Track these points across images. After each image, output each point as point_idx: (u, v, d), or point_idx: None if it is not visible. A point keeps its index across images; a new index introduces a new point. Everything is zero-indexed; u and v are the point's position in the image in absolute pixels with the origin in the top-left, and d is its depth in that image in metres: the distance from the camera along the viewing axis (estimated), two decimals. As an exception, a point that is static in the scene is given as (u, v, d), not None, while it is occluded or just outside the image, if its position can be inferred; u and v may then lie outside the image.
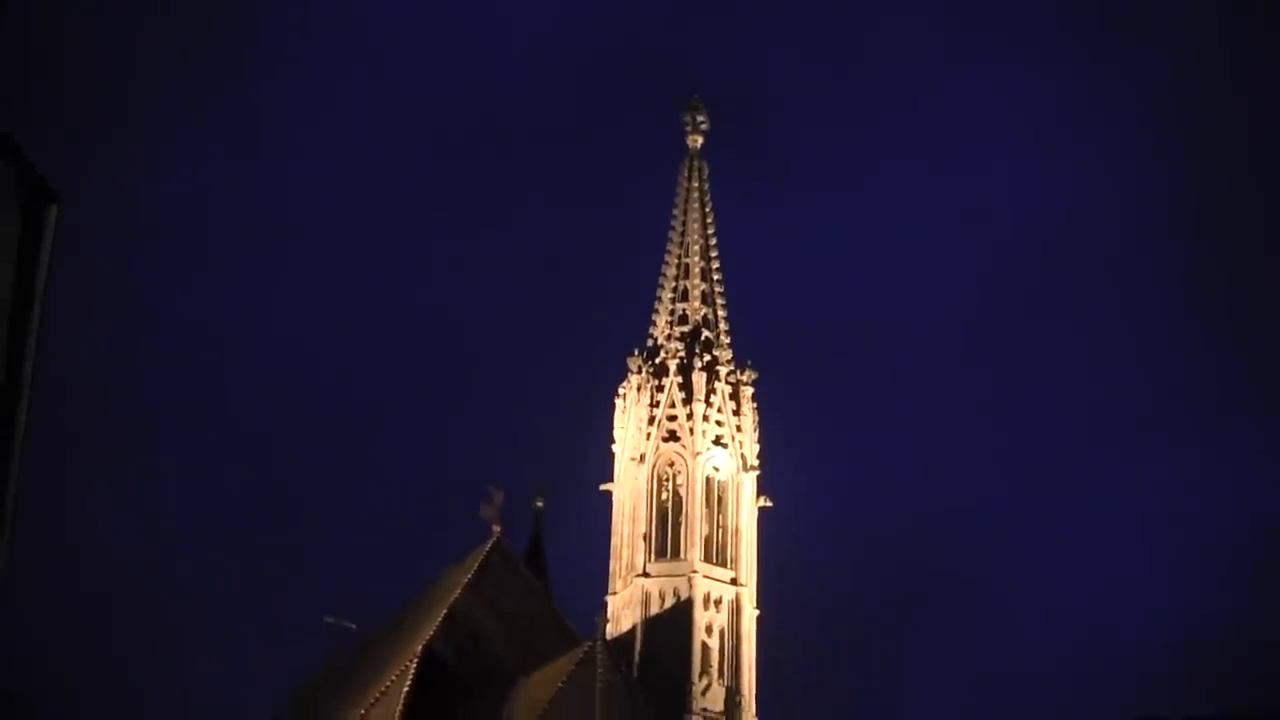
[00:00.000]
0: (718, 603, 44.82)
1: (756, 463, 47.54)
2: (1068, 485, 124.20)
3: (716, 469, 46.71)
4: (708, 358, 47.97)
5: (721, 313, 49.56)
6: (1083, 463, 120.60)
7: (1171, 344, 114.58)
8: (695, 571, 44.64)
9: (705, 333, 48.71)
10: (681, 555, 45.11)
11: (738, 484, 46.85)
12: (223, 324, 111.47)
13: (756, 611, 45.49)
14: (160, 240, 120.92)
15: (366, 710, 39.87)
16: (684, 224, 50.50)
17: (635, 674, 42.21)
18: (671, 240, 50.46)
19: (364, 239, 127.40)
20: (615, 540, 46.81)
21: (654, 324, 49.47)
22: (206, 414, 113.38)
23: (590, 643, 40.51)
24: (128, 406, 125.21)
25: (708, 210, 50.82)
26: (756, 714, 44.16)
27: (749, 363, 48.78)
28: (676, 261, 50.02)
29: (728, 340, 49.08)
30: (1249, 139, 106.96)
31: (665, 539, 45.55)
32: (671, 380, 47.42)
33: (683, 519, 45.69)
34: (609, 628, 43.74)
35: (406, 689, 40.26)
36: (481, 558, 46.25)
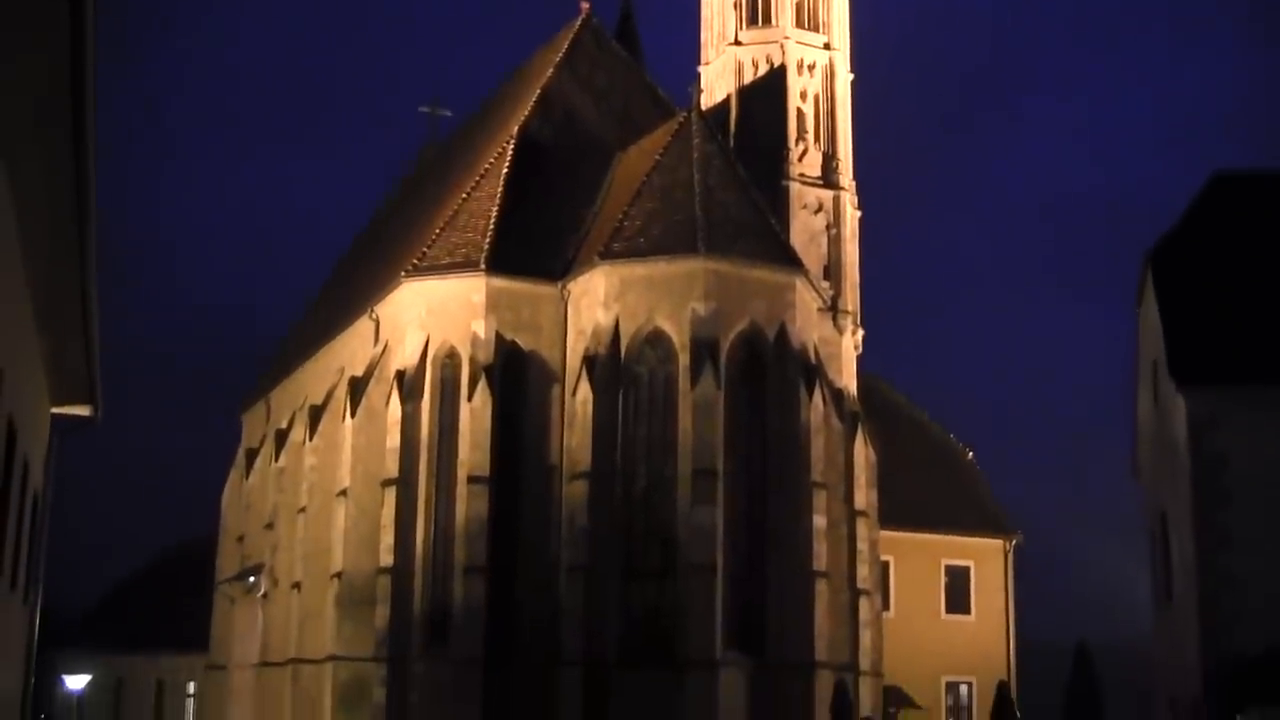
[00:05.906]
0: (811, 68, 44.33)
1: (847, -78, 46.00)
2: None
3: (805, -70, 45.27)
4: None
5: None
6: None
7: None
8: (788, 38, 44.06)
9: None
10: (773, 22, 44.41)
11: (828, -56, 45.47)
12: None
13: (851, 75, 45.01)
14: None
15: (469, 193, 40.38)
16: None
17: (731, 142, 42.29)
18: None
19: None
20: (705, 10, 46.11)
21: None
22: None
23: (685, 113, 40.37)
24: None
25: None
26: (854, 177, 44.39)
27: None
28: None
29: None
30: None
31: (756, 6, 44.75)
32: None
33: (773, -16, 44.69)
34: (703, 98, 43.63)
35: (506, 170, 40.66)
36: (572, 36, 45.79)
